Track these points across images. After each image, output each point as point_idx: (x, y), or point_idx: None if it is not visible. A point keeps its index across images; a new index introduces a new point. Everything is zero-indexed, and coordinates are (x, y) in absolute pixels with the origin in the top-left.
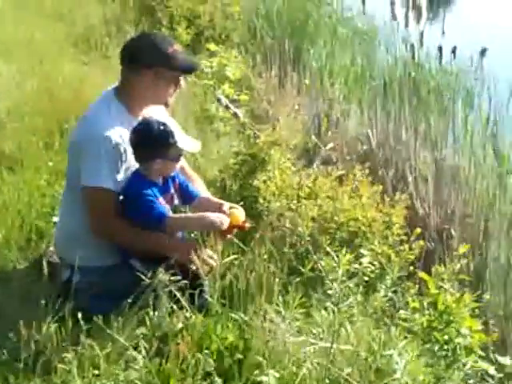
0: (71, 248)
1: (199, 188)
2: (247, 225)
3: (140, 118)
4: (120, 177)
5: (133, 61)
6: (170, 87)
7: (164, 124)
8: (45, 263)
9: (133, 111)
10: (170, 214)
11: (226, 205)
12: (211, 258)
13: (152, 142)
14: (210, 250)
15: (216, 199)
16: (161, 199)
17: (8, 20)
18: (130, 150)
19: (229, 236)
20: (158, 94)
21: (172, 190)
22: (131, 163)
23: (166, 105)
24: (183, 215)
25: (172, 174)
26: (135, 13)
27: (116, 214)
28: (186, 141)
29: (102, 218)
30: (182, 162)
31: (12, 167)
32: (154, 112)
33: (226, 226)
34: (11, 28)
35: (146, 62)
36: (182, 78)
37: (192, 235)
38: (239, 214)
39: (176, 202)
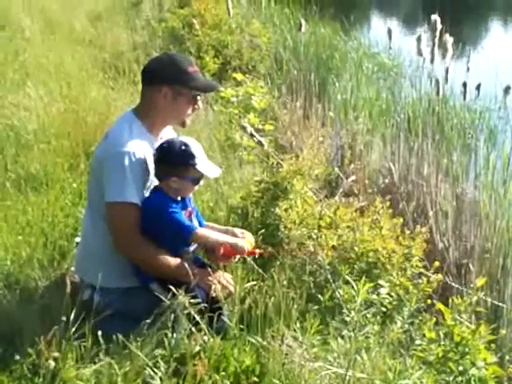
0: (92, 268)
1: None
2: (257, 251)
3: (159, 138)
4: (144, 192)
5: (152, 78)
6: (188, 106)
7: (186, 145)
8: (68, 282)
9: (152, 130)
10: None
11: (237, 230)
12: (229, 283)
13: (171, 161)
14: (229, 274)
15: (221, 226)
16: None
17: (38, 44)
18: (152, 168)
19: (233, 259)
20: (177, 113)
21: (190, 207)
22: (153, 181)
23: (184, 125)
24: (211, 232)
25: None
26: (163, 41)
27: (139, 230)
28: (207, 165)
29: (127, 233)
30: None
31: (37, 187)
32: (169, 134)
33: (246, 250)
34: (41, 52)
35: (165, 79)
36: (199, 99)
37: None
38: (251, 239)
39: (194, 219)
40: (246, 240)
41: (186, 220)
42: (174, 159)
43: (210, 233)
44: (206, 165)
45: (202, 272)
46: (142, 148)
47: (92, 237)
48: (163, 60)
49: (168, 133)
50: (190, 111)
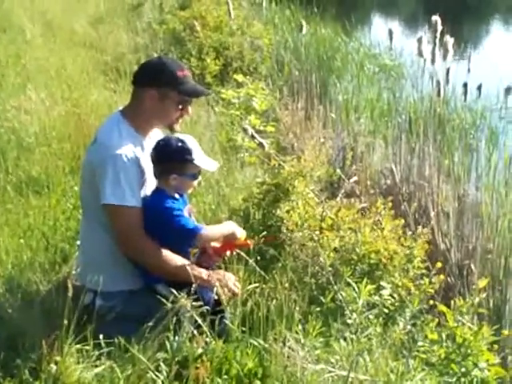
0: (92, 274)
1: None
2: (249, 242)
3: (148, 137)
4: (140, 192)
5: (141, 80)
6: (175, 110)
7: (182, 141)
8: (69, 286)
9: (141, 131)
10: (203, 228)
11: None
12: (234, 284)
13: (169, 158)
14: (233, 275)
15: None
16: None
17: (39, 47)
18: (145, 167)
19: (228, 253)
20: (163, 115)
21: (189, 204)
22: (148, 180)
23: (172, 129)
24: (211, 227)
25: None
26: (165, 43)
27: (144, 232)
28: (204, 160)
29: (129, 235)
30: None
31: (38, 191)
32: (158, 134)
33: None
34: (42, 55)
35: (153, 81)
36: (189, 104)
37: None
38: (243, 233)
39: (193, 217)
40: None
41: (190, 222)
42: (172, 156)
43: (213, 230)
44: (203, 159)
45: (208, 273)
46: (132, 149)
47: (90, 243)
48: (153, 63)
49: (156, 133)
50: (177, 115)
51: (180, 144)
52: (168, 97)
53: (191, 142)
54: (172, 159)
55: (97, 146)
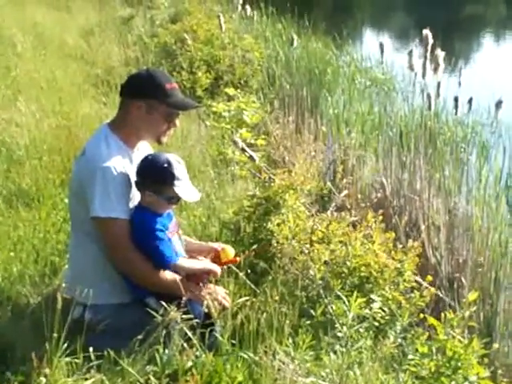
0: (82, 287)
1: None
2: (238, 258)
3: (136, 149)
4: (129, 205)
5: (129, 92)
6: (163, 122)
7: (170, 164)
8: (59, 298)
9: (129, 143)
10: (177, 259)
11: (215, 244)
12: (225, 298)
13: (150, 174)
14: (223, 289)
15: (198, 242)
16: (168, 232)
17: (30, 59)
18: (134, 180)
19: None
20: (151, 127)
21: (174, 219)
22: (136, 192)
23: (159, 142)
24: (188, 264)
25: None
26: (155, 56)
27: (132, 244)
28: (185, 188)
29: (118, 249)
30: None
31: (28, 203)
32: (146, 147)
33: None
34: (32, 67)
35: (141, 93)
36: (176, 117)
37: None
38: (230, 250)
39: (180, 231)
40: (225, 252)
41: (168, 249)
42: (153, 174)
43: (188, 264)
44: (184, 187)
45: (198, 287)
46: (120, 161)
47: (79, 255)
48: (142, 75)
49: (145, 145)
50: (165, 127)
51: (166, 165)
52: (155, 109)
53: (179, 167)
54: (152, 176)
55: (85, 159)
